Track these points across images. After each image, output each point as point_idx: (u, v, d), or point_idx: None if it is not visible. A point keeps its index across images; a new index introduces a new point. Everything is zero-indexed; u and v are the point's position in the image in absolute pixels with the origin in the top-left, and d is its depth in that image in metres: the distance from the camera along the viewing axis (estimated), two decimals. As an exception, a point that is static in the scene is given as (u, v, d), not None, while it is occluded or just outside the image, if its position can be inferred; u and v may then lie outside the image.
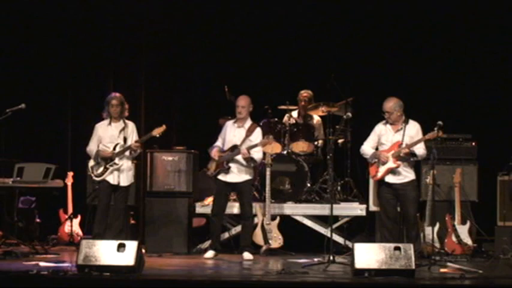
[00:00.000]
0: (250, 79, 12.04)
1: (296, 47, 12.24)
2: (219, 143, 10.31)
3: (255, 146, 10.17)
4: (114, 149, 9.87)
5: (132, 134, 9.97)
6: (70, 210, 11.62)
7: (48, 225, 11.60)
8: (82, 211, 11.44)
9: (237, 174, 10.17)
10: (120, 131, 9.90)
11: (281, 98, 11.52)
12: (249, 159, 10.12)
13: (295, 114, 11.63)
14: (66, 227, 11.49)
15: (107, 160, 9.84)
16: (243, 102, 10.17)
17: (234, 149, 10.16)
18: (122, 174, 9.88)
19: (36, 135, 12.11)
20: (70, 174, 11.56)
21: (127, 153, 9.89)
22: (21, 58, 12.26)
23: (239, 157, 10.12)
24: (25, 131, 11.88)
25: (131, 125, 10.00)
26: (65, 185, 11.28)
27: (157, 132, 9.85)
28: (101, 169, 9.87)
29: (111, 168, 9.84)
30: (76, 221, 11.58)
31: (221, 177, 10.18)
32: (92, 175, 9.98)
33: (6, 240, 10.49)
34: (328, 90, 11.23)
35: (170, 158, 11.04)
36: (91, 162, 9.99)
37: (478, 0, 11.82)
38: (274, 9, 12.25)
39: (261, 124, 11.09)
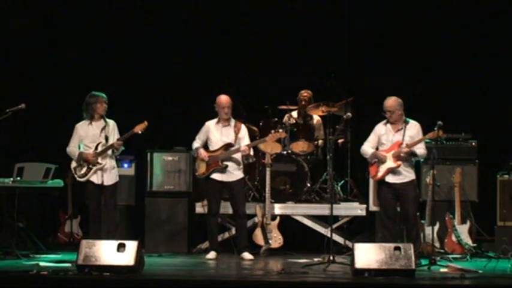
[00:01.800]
0: (250, 79, 12.03)
1: (296, 47, 12.24)
2: (198, 144, 10.29)
3: (262, 141, 10.24)
4: (96, 148, 9.77)
5: (114, 132, 9.86)
6: (70, 210, 11.62)
7: (48, 225, 11.59)
8: (82, 211, 11.44)
9: (231, 173, 10.19)
10: (102, 130, 9.79)
11: (281, 98, 11.52)
12: (249, 156, 10.14)
13: (295, 114, 11.63)
14: (66, 227, 11.49)
15: (89, 161, 9.77)
16: (227, 103, 10.17)
17: (228, 147, 10.16)
18: (106, 174, 9.76)
19: (36, 135, 12.10)
20: (70, 174, 11.54)
21: (109, 152, 9.80)
22: (21, 58, 12.25)
23: (236, 155, 10.12)
24: (25, 131, 11.87)
25: (112, 123, 9.90)
26: (65, 185, 11.27)
27: (139, 128, 9.71)
28: (84, 170, 9.79)
29: (94, 168, 9.76)
30: (76, 221, 11.58)
31: (215, 176, 10.17)
32: (75, 176, 9.89)
33: (6, 240, 10.47)
34: (328, 90, 11.22)
35: (170, 158, 11.04)
36: (73, 164, 9.90)
37: (477, 1, 11.82)
38: (275, 9, 12.24)
39: (260, 124, 11.10)
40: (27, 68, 12.26)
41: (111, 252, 8.50)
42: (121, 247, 8.53)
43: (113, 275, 8.36)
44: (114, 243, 8.55)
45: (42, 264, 9.14)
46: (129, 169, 11.29)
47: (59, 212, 11.66)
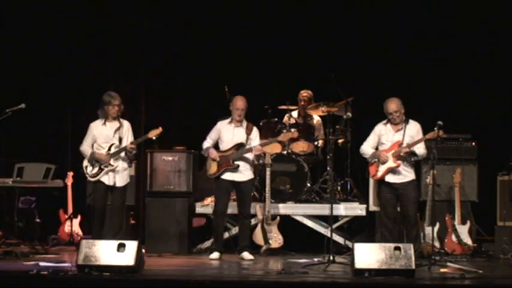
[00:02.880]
0: (250, 79, 12.04)
1: (296, 47, 12.24)
2: (208, 144, 10.29)
3: (274, 141, 10.29)
4: (109, 149, 9.74)
5: (128, 134, 9.84)
6: (70, 210, 11.62)
7: (48, 225, 11.60)
8: (82, 211, 11.45)
9: (242, 173, 10.17)
10: (115, 131, 9.77)
11: (281, 98, 11.52)
12: (261, 156, 10.13)
13: (295, 114, 11.63)
14: (66, 227, 11.49)
15: (101, 161, 9.78)
16: (242, 105, 10.17)
17: (240, 147, 10.15)
18: (118, 175, 9.75)
19: (36, 135, 12.11)
20: (70, 174, 11.55)
21: (122, 153, 9.78)
22: (21, 58, 12.26)
23: (248, 155, 10.11)
24: (25, 131, 11.87)
25: (126, 125, 9.87)
26: (65, 185, 11.28)
27: (153, 134, 9.72)
28: (96, 170, 9.76)
29: (106, 169, 9.73)
30: (76, 221, 11.59)
31: (226, 176, 10.15)
32: (87, 175, 9.89)
33: (6, 240, 10.50)
34: (328, 90, 11.23)
35: (170, 158, 11.03)
36: (85, 162, 9.86)
37: (477, 1, 11.83)
38: (275, 9, 12.25)
39: (261, 124, 11.10)
40: (27, 67, 12.26)
41: (111, 252, 8.49)
42: (121, 247, 8.52)
43: (113, 275, 8.36)
44: (114, 243, 8.54)
45: (42, 264, 9.13)
46: (129, 169, 11.28)
47: (59, 212, 11.66)
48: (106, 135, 9.80)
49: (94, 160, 9.76)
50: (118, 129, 9.79)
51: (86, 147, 9.86)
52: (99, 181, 9.76)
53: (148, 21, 12.33)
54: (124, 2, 12.32)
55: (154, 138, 9.76)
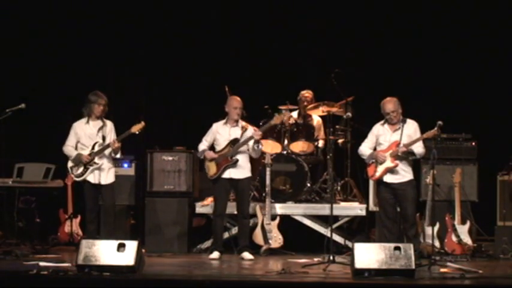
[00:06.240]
0: (250, 79, 12.04)
1: (296, 47, 12.24)
2: (204, 146, 10.27)
3: (269, 126, 10.27)
4: (93, 147, 9.81)
5: (111, 134, 9.87)
6: (70, 210, 11.62)
7: (48, 225, 11.60)
8: (82, 211, 11.42)
9: (242, 169, 10.16)
10: (99, 130, 9.82)
11: (281, 98, 11.51)
12: (259, 142, 10.02)
13: (295, 114, 11.63)
14: (66, 227, 11.49)
15: (87, 161, 9.79)
16: (239, 104, 10.16)
17: (235, 142, 10.13)
18: (103, 173, 9.79)
19: (36, 135, 12.10)
20: (70, 174, 11.53)
21: (107, 152, 9.81)
22: (22, 58, 12.26)
23: (244, 154, 10.08)
24: (25, 131, 11.87)
25: (110, 124, 9.91)
26: (65, 185, 11.27)
27: (136, 129, 9.73)
28: (81, 169, 9.82)
29: (91, 168, 9.78)
30: (76, 221, 11.58)
31: (226, 175, 10.12)
32: (72, 175, 9.94)
33: (6, 240, 10.50)
34: (328, 90, 11.22)
35: (170, 158, 11.04)
36: (69, 163, 9.93)
37: (477, 0, 11.83)
38: (275, 9, 12.25)
39: (261, 124, 11.10)
40: (27, 67, 12.26)
41: (111, 252, 8.49)
42: (121, 247, 8.52)
43: (112, 275, 8.36)
44: (114, 243, 8.54)
45: (42, 264, 9.13)
46: (129, 169, 11.29)
47: (59, 212, 11.66)
48: (89, 133, 9.87)
49: (78, 161, 9.80)
50: (101, 128, 9.83)
51: (69, 148, 9.93)
52: (85, 181, 9.81)
53: (149, 20, 12.33)
54: (123, 2, 12.33)
55: (137, 132, 9.76)
